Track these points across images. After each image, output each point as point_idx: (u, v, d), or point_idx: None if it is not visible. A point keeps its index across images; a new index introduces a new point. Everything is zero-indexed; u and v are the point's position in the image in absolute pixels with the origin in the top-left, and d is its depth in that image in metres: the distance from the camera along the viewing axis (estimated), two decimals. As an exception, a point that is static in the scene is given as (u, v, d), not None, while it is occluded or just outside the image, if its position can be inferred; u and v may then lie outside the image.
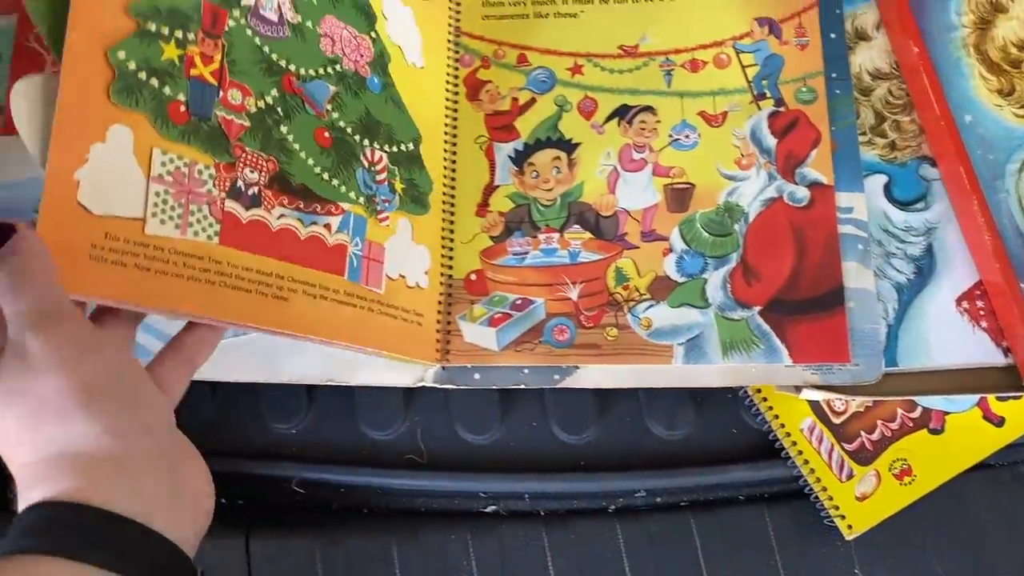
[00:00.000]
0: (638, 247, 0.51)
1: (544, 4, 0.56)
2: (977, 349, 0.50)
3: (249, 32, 0.43)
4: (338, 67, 0.47)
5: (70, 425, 0.33)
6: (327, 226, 0.45)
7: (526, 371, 0.50)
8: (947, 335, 0.51)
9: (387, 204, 0.49)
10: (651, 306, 0.50)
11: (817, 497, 0.53)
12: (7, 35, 0.53)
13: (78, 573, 0.30)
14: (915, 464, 0.53)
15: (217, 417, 0.55)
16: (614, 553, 0.52)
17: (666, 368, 0.49)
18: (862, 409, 0.54)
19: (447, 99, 0.54)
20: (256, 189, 0.42)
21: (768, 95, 0.53)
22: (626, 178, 0.52)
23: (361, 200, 0.47)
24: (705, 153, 0.52)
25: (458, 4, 0.56)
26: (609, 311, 0.50)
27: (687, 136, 0.52)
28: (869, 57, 0.55)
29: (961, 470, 0.53)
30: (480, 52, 0.55)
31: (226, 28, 0.42)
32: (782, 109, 0.53)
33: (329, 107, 0.46)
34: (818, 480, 0.53)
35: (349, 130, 0.47)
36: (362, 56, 0.49)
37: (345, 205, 0.46)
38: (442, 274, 0.51)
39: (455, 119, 0.54)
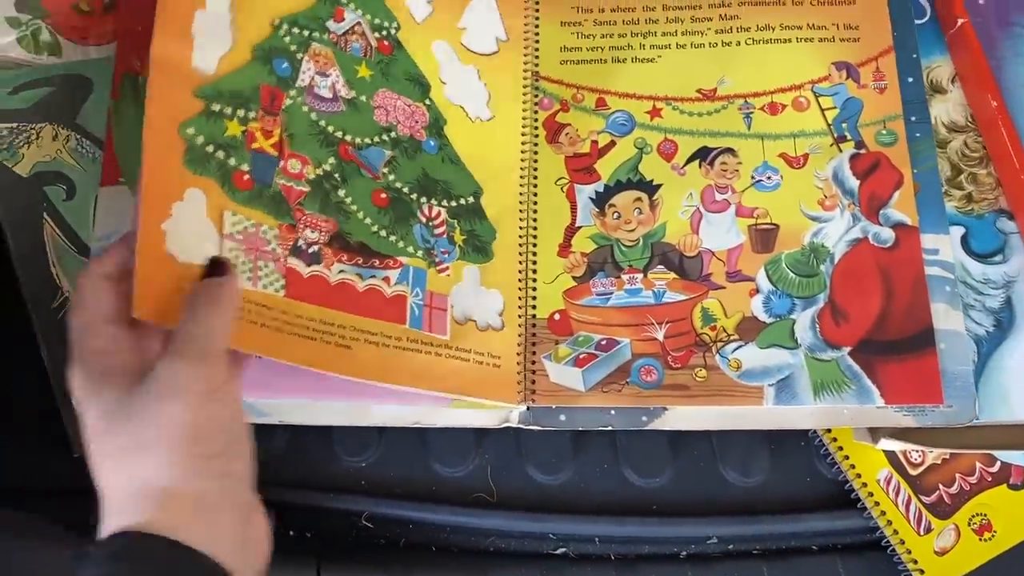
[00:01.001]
0: (724, 287, 0.51)
1: (621, 49, 0.56)
2: (1059, 404, 0.50)
3: (305, 108, 0.48)
4: (393, 134, 0.51)
5: (169, 461, 0.34)
6: (386, 279, 0.48)
7: (613, 412, 0.49)
8: (1028, 389, 0.51)
9: (446, 255, 0.51)
10: (740, 347, 0.50)
11: (894, 550, 0.52)
12: (104, 67, 0.54)
13: None
14: (995, 519, 0.52)
15: (287, 448, 0.55)
16: (686, 599, 0.52)
17: (757, 410, 0.49)
18: (939, 461, 0.53)
19: (526, 142, 0.55)
20: (316, 248, 0.47)
21: (849, 137, 0.54)
22: (709, 219, 0.52)
23: (419, 253, 0.50)
24: (788, 194, 0.52)
25: (536, 50, 0.56)
26: (697, 352, 0.50)
27: (769, 177, 0.53)
28: (945, 110, 0.56)
29: (1042, 527, 0.52)
30: (559, 96, 0.56)
31: (283, 106, 0.47)
32: (863, 151, 0.53)
33: (385, 170, 0.50)
34: (895, 532, 0.52)
35: (406, 190, 0.50)
36: (416, 122, 0.52)
37: (403, 259, 0.49)
38: (521, 315, 0.51)
39: (535, 161, 0.54)
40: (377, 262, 0.48)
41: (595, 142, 0.55)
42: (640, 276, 0.51)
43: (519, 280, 0.52)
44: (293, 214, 0.46)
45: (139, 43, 0.53)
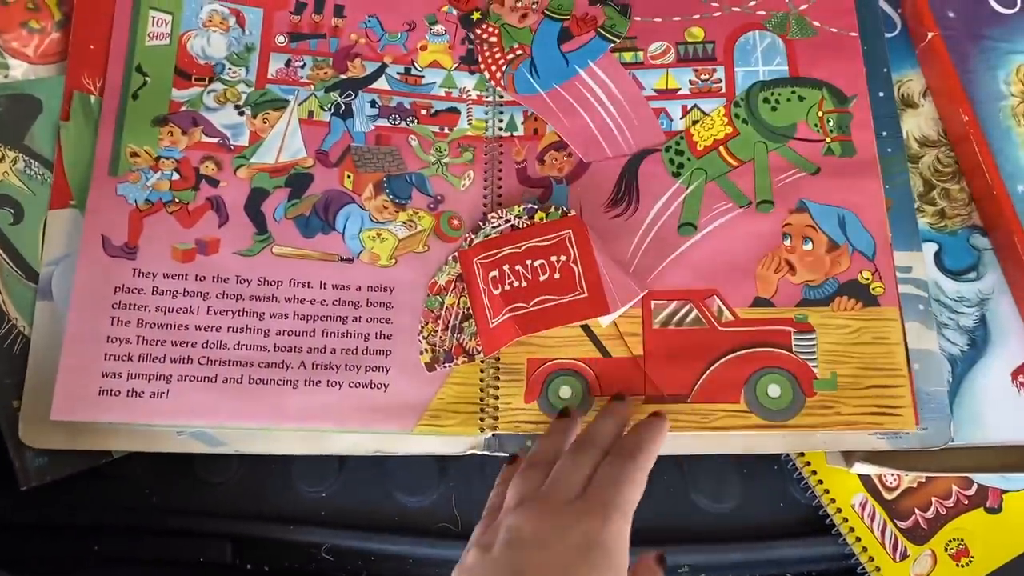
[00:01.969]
0: None
1: None
2: (1035, 425, 0.49)
3: None
4: None
5: None
6: None
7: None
8: (1003, 410, 0.50)
9: None
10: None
11: (870, 576, 0.51)
12: (54, 86, 0.53)
13: None
14: (972, 544, 0.51)
15: (244, 478, 0.53)
16: (656, 631, 0.50)
17: (729, 435, 0.47)
18: (915, 485, 0.52)
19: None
20: None
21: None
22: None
23: None
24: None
25: None
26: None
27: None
28: (916, 124, 0.55)
29: (1021, 551, 0.51)
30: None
31: None
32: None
33: None
34: (871, 559, 0.51)
35: None
36: None
37: None
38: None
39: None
40: None
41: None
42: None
43: None
44: None
45: (91, 61, 0.52)
